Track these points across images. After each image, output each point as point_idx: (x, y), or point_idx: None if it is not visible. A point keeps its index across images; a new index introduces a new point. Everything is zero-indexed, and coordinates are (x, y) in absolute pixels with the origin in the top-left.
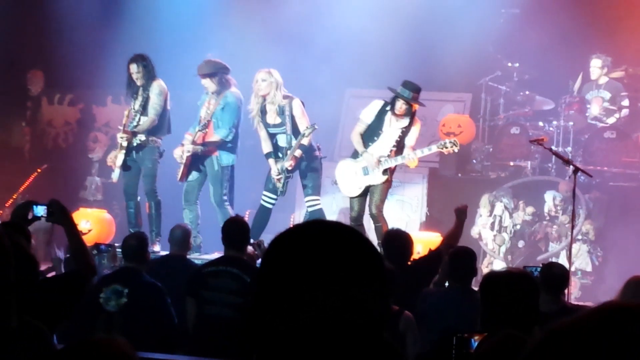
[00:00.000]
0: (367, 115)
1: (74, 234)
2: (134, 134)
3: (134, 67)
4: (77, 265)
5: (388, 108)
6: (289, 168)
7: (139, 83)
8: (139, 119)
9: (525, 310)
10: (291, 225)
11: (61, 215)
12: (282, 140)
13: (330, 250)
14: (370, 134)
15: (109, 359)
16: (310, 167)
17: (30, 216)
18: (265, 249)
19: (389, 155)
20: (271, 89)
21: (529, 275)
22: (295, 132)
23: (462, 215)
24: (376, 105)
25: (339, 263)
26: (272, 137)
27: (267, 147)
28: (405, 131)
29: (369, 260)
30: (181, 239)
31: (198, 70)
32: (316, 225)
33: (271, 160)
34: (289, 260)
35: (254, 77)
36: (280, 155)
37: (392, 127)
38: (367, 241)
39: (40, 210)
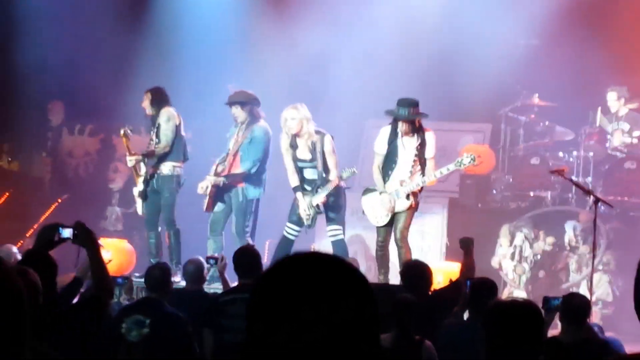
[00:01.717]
0: (380, 146)
1: (96, 257)
2: (144, 157)
3: (143, 98)
4: (96, 288)
5: (396, 131)
6: (320, 204)
7: (147, 112)
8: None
9: (530, 341)
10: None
11: (86, 238)
12: (309, 174)
13: (312, 280)
14: (389, 163)
15: None
16: (335, 200)
17: (56, 238)
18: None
19: (409, 177)
20: (302, 125)
21: (533, 306)
22: (325, 168)
23: (467, 245)
24: (384, 132)
25: (321, 292)
26: (300, 170)
27: (294, 180)
28: (420, 148)
29: (353, 288)
30: (194, 273)
31: (228, 98)
32: (300, 259)
33: (299, 194)
34: (272, 292)
35: (281, 115)
36: (307, 188)
37: (406, 149)
38: (352, 270)
39: (67, 233)
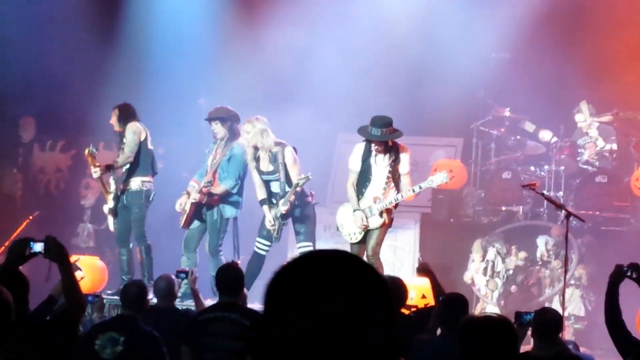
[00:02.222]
0: (354, 163)
1: (67, 272)
2: (108, 167)
3: (111, 114)
4: (68, 303)
5: (370, 149)
6: (283, 213)
7: (115, 128)
8: None
9: (504, 356)
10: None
11: (57, 252)
12: (275, 187)
13: (299, 276)
14: (363, 180)
15: None
16: (303, 214)
17: (27, 252)
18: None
19: (382, 194)
20: (258, 137)
21: (507, 321)
22: (288, 179)
23: (424, 271)
24: (358, 149)
25: (305, 287)
26: (266, 184)
27: (261, 194)
28: (393, 164)
29: (341, 282)
30: (165, 290)
31: (208, 114)
32: (303, 257)
33: (265, 207)
34: (269, 291)
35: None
36: (274, 201)
37: (379, 166)
38: (348, 264)
39: (38, 247)
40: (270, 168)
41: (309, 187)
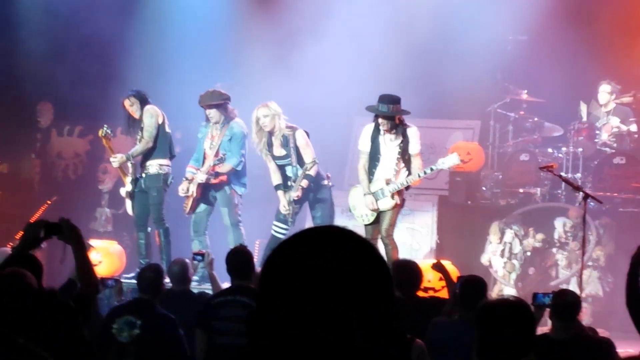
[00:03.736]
0: (363, 144)
1: (81, 253)
2: (128, 157)
3: (127, 102)
4: (81, 284)
5: (379, 129)
6: (296, 199)
7: (137, 115)
8: None
9: (521, 339)
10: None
11: (71, 234)
12: (288, 171)
13: (331, 255)
14: (372, 161)
15: None
16: (318, 197)
17: (42, 235)
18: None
19: (394, 176)
20: (274, 122)
21: (524, 304)
22: (301, 163)
23: (438, 270)
24: (367, 130)
25: (340, 270)
26: (280, 168)
27: (276, 179)
28: (403, 145)
29: (374, 269)
30: (179, 274)
31: (202, 100)
32: (319, 231)
33: (280, 192)
34: (287, 267)
35: (252, 115)
36: (289, 184)
37: (388, 147)
38: (373, 249)
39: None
40: (283, 152)
41: (325, 170)
